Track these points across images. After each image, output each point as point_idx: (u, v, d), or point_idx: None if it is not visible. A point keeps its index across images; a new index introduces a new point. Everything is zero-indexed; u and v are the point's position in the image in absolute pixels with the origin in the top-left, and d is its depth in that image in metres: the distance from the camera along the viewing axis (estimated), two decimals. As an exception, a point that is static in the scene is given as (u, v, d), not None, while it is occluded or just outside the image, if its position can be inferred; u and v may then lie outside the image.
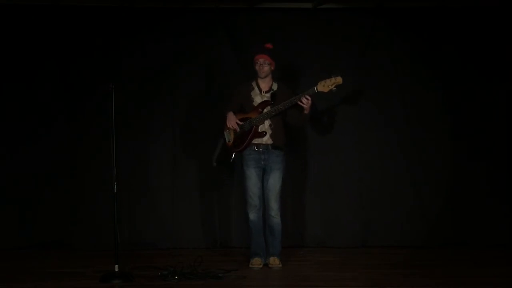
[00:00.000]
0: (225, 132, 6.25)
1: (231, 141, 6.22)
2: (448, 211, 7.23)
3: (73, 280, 5.70)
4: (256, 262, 6.20)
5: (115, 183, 5.68)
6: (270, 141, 6.18)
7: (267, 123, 6.17)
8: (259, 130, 6.16)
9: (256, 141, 6.17)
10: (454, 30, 7.26)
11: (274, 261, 6.22)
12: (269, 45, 6.21)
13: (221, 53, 7.30)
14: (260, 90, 6.23)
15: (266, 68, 6.17)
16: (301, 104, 6.03)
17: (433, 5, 7.20)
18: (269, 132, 6.17)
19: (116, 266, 5.63)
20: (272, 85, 6.25)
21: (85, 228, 7.18)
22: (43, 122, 7.20)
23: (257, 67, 6.19)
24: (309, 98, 6.02)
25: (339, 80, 6.02)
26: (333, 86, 6.03)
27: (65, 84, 7.22)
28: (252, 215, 6.22)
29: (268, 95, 6.22)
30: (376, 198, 7.28)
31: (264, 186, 6.23)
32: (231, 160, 6.24)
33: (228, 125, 6.19)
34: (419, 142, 7.27)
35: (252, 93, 6.24)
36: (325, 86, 6.03)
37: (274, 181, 6.20)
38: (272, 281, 5.85)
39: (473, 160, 7.23)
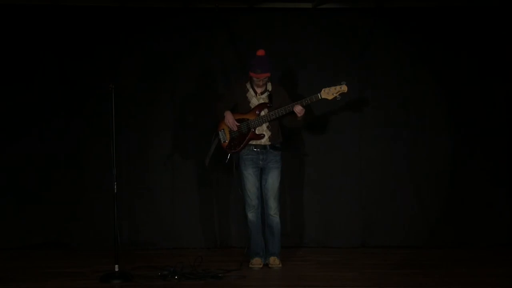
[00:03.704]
0: (219, 132, 6.24)
1: (227, 141, 6.21)
2: (448, 211, 7.23)
3: (73, 280, 5.70)
4: (256, 262, 6.20)
5: (115, 183, 5.69)
6: (268, 142, 6.18)
7: (264, 124, 6.16)
8: (257, 133, 6.16)
9: (253, 141, 6.17)
10: (454, 30, 7.25)
11: (274, 261, 6.22)
12: (261, 52, 6.13)
13: (221, 53, 7.29)
14: (255, 92, 6.22)
15: (265, 81, 6.16)
16: (295, 111, 6.05)
17: (433, 5, 7.20)
18: (267, 134, 6.17)
19: (116, 266, 5.64)
20: (266, 86, 6.24)
21: (85, 228, 7.18)
22: (43, 122, 7.20)
23: (255, 82, 6.15)
24: (303, 108, 6.03)
25: (344, 88, 6.08)
26: (338, 94, 6.09)
27: (65, 84, 7.22)
28: (251, 215, 6.23)
29: (264, 96, 6.22)
30: (376, 198, 7.28)
31: (263, 185, 6.24)
32: (226, 161, 6.23)
33: (227, 124, 6.17)
34: (419, 142, 7.27)
35: (248, 95, 6.23)
36: (329, 93, 6.08)
37: (273, 180, 6.20)
38: (272, 281, 5.85)
39: (474, 160, 7.23)
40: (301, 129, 7.07)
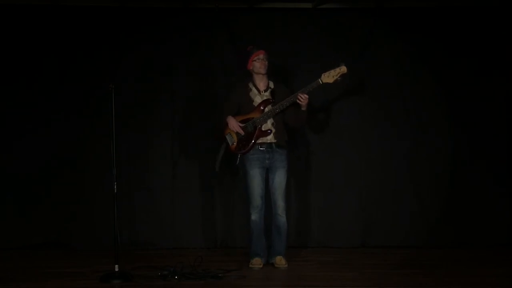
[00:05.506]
0: (226, 136, 6.23)
1: (235, 143, 6.20)
2: (448, 211, 7.23)
3: (73, 280, 5.70)
4: (256, 262, 6.19)
5: (115, 183, 5.69)
6: (274, 140, 6.17)
7: (269, 122, 6.16)
8: (263, 129, 6.15)
9: (260, 140, 6.16)
10: (454, 30, 7.26)
11: (281, 261, 6.20)
12: (250, 48, 6.29)
13: (221, 53, 7.29)
14: (258, 90, 6.23)
15: (267, 63, 6.18)
16: (298, 101, 6.03)
17: (433, 5, 7.20)
18: (273, 130, 6.16)
19: (116, 266, 5.64)
20: (268, 83, 6.26)
21: (85, 228, 7.18)
22: (43, 122, 7.20)
23: (258, 64, 6.17)
24: (307, 95, 6.01)
25: (343, 69, 5.98)
26: (338, 76, 5.99)
27: (65, 84, 7.22)
28: (255, 216, 6.20)
29: (267, 93, 6.22)
30: (376, 198, 7.28)
31: (270, 185, 6.23)
32: (237, 163, 6.22)
33: (232, 129, 6.17)
34: (419, 142, 7.27)
35: (251, 94, 6.23)
36: (329, 77, 5.99)
37: (280, 179, 6.19)
38: (272, 281, 5.85)
39: (473, 160, 7.23)
40: (303, 129, 7.07)
